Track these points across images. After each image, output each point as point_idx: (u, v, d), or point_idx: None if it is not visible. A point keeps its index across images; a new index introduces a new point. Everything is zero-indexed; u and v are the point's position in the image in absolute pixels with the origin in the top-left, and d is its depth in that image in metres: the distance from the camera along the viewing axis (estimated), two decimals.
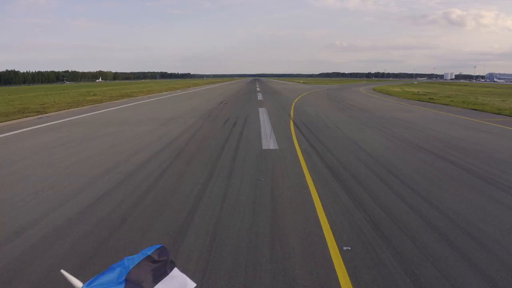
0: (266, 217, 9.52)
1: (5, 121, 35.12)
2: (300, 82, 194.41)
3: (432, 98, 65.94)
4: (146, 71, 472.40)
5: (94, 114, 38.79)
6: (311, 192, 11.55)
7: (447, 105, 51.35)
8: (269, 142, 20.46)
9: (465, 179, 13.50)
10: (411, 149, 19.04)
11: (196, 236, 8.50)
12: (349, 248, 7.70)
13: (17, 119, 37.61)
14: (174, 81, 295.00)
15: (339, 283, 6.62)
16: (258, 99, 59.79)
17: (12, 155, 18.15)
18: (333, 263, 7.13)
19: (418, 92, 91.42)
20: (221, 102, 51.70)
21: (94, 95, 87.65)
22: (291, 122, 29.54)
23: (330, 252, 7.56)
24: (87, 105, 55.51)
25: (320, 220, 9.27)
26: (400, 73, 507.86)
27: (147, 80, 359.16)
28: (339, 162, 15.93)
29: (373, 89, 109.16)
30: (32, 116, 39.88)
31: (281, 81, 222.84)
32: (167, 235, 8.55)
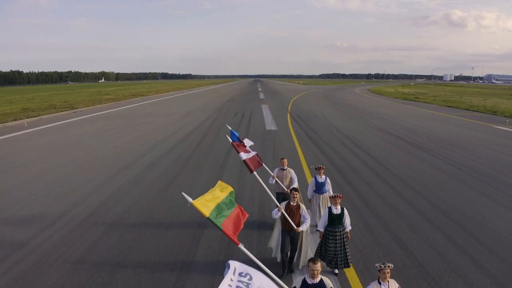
0: (271, 157, 16.51)
1: (45, 114, 41.99)
2: (299, 83, 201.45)
3: (418, 98, 72.75)
4: (147, 72, 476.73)
5: (121, 109, 45.68)
6: (297, 148, 18.76)
7: (428, 103, 58.14)
8: (271, 126, 27.61)
9: (403, 146, 20.57)
10: (375, 131, 26.04)
11: (230, 170, 15.49)
12: (312, 167, 14.64)
13: (53, 113, 44.45)
14: (176, 81, 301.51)
15: (306, 178, 13.52)
16: (260, 97, 66.88)
17: (85, 133, 25.20)
18: (304, 171, 14.12)
19: (409, 92, 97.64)
20: (228, 100, 58.75)
21: (107, 94, 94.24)
22: (288, 115, 36.56)
23: (303, 168, 14.59)
24: (107, 102, 62.31)
25: (300, 158, 16.36)
26: (400, 74, 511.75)
27: (149, 81, 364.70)
28: (318, 136, 23.12)
29: (368, 90, 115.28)
30: (66, 111, 46.73)
31: (281, 82, 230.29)
32: (211, 176, 15.51)
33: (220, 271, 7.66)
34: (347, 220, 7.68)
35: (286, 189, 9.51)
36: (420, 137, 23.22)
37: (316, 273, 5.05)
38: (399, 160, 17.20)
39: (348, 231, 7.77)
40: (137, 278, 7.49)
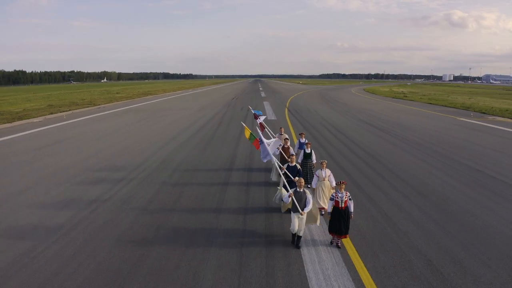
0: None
1: (74, 109, 48.07)
2: (299, 83, 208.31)
3: (406, 96, 79.16)
4: (148, 72, 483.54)
5: (139, 105, 52.03)
6: (291, 130, 25.14)
7: (414, 100, 64.37)
8: (271, 116, 34.23)
9: (371, 130, 27.01)
10: (354, 120, 32.53)
11: (244, 140, 21.92)
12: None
13: (79, 108, 50.52)
14: (179, 81, 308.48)
15: (294, 143, 19.96)
16: (262, 96, 73.36)
17: (125, 122, 31.63)
18: (294, 141, 20.54)
19: (402, 91, 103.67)
20: (233, 98, 65.29)
21: (117, 93, 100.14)
22: (286, 109, 43.03)
23: (294, 139, 21.00)
24: (122, 100, 68.43)
25: (292, 134, 22.76)
26: (399, 74, 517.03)
27: (150, 81, 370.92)
28: (309, 123, 29.61)
29: (364, 90, 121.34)
30: (89, 107, 52.88)
31: (281, 82, 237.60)
32: (232, 143, 21.95)
33: (245, 184, 14.07)
34: (313, 156, 14.03)
35: (282, 144, 15.90)
36: (388, 124, 29.79)
37: (293, 159, 11.37)
38: (364, 137, 23.82)
39: (314, 162, 14.13)
40: (200, 190, 13.81)
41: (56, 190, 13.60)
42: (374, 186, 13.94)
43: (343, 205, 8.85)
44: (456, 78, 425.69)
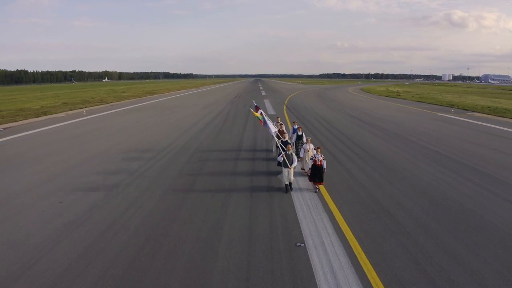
0: None
1: (90, 106, 52.07)
2: (299, 83, 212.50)
3: (400, 95, 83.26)
4: (149, 71, 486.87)
5: (148, 103, 56.15)
6: (287, 122, 29.30)
7: (405, 99, 68.44)
8: (271, 112, 38.33)
9: (357, 123, 31.23)
10: (346, 116, 36.82)
11: (249, 129, 26.13)
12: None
13: (93, 106, 54.48)
14: (180, 81, 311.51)
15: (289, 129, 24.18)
16: (263, 95, 77.58)
17: (140, 116, 35.81)
18: (288, 123, 24.80)
19: (397, 91, 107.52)
20: (235, 97, 69.52)
21: (123, 92, 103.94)
22: (285, 106, 47.25)
23: (287, 122, 25.24)
24: (130, 99, 72.42)
25: (288, 125, 26.96)
26: (399, 74, 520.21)
27: (152, 80, 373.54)
28: (304, 118, 33.83)
29: (361, 89, 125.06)
30: (101, 104, 56.89)
31: (281, 81, 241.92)
32: (239, 133, 26.20)
33: (251, 159, 18.23)
34: (304, 138, 18.23)
35: (278, 128, 20.10)
36: (372, 118, 34.06)
37: (285, 136, 15.65)
38: (347, 127, 28.10)
39: (305, 141, 18.31)
40: (217, 163, 17.94)
41: (104, 165, 17.75)
42: (344, 155, 18.35)
43: (319, 163, 13.02)
44: (455, 78, 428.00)
